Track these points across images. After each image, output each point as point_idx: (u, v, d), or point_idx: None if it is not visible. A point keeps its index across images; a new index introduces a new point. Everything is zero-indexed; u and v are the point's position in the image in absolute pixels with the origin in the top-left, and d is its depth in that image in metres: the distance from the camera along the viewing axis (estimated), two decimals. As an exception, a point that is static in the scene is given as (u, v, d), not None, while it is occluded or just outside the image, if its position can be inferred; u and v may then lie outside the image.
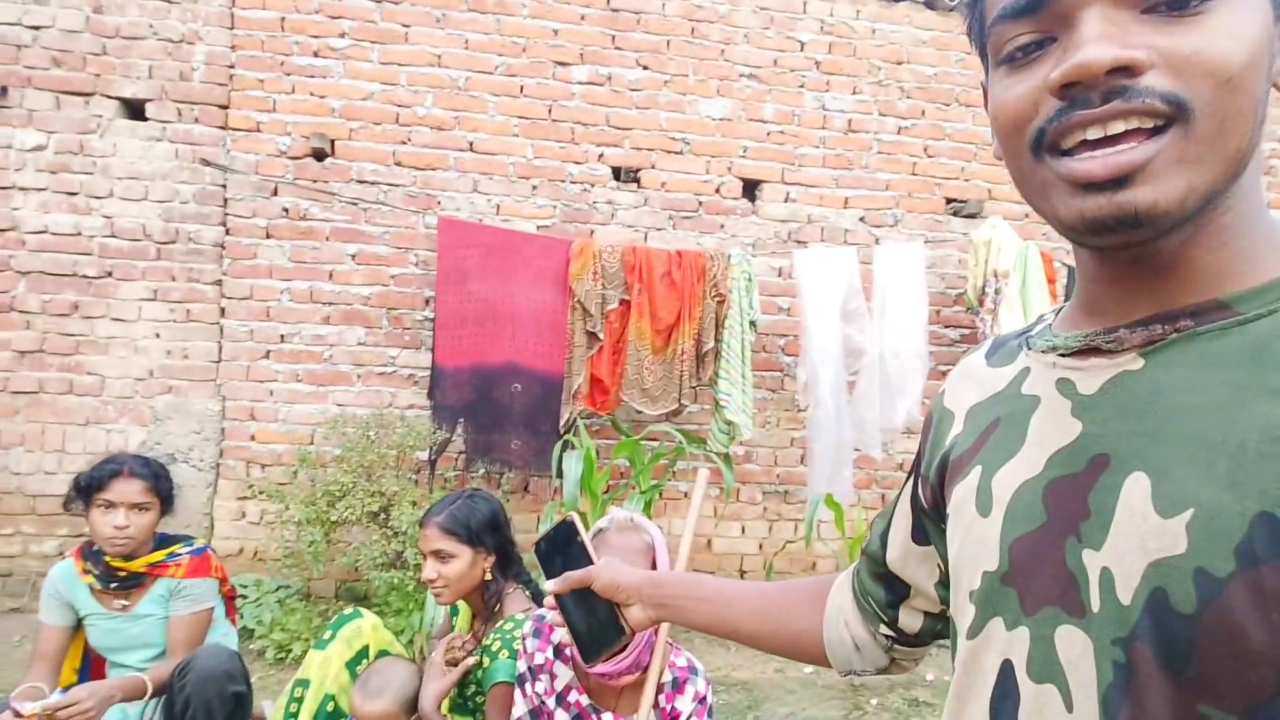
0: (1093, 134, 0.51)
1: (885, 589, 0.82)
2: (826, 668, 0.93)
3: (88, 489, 2.17)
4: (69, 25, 3.87)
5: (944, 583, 0.77)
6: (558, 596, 1.01)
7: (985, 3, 0.58)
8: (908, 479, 0.80)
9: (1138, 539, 0.49)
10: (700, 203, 4.31)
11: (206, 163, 3.94)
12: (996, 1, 0.56)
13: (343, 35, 4.01)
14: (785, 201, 4.36)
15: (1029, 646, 0.55)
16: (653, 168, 4.26)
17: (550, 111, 4.16)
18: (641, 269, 3.96)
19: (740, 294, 4.01)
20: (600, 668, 1.78)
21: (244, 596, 3.66)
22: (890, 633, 0.83)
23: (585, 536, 1.04)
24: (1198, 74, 0.49)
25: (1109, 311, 0.58)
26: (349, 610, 2.23)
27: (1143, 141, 0.50)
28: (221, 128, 3.96)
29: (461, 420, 3.88)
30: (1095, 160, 0.51)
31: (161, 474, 2.27)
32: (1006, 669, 0.57)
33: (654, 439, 4.06)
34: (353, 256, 4.03)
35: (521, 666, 1.90)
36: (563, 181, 4.18)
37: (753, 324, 4.04)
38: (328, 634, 2.15)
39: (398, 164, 4.06)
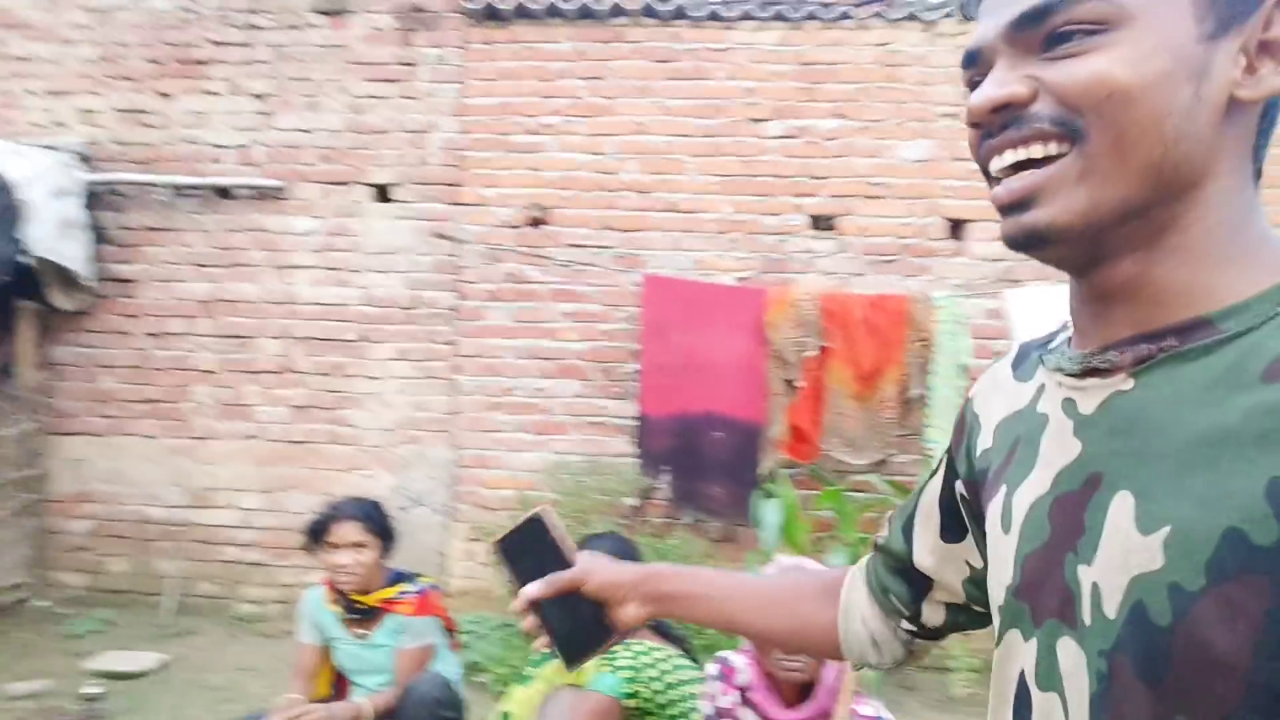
0: (995, 164, 0.58)
1: (907, 584, 0.82)
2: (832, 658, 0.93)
3: (315, 533, 2.52)
4: (333, 126, 4.53)
5: (972, 580, 0.77)
6: (534, 601, 0.92)
7: None
8: (931, 476, 0.81)
9: (1121, 555, 0.52)
10: (903, 246, 4.24)
11: (441, 236, 4.44)
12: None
13: (555, 113, 4.39)
14: (995, 240, 4.19)
15: (1036, 657, 0.58)
16: (850, 214, 4.25)
17: (747, 167, 4.29)
18: (839, 315, 3.95)
19: (948, 338, 3.88)
20: (786, 715, 1.79)
21: (472, 632, 3.99)
22: (911, 627, 0.83)
23: (558, 533, 0.94)
24: (1082, 94, 0.53)
25: (1094, 332, 0.59)
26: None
27: (1041, 168, 0.55)
28: (454, 204, 4.45)
29: (667, 467, 4.03)
30: (1002, 187, 0.57)
31: (374, 514, 2.56)
32: (1022, 678, 0.60)
33: (859, 489, 4.00)
34: (568, 315, 4.35)
35: (707, 709, 1.94)
36: (761, 234, 4.28)
37: (964, 369, 3.89)
38: (529, 670, 2.31)
39: (606, 227, 4.35)
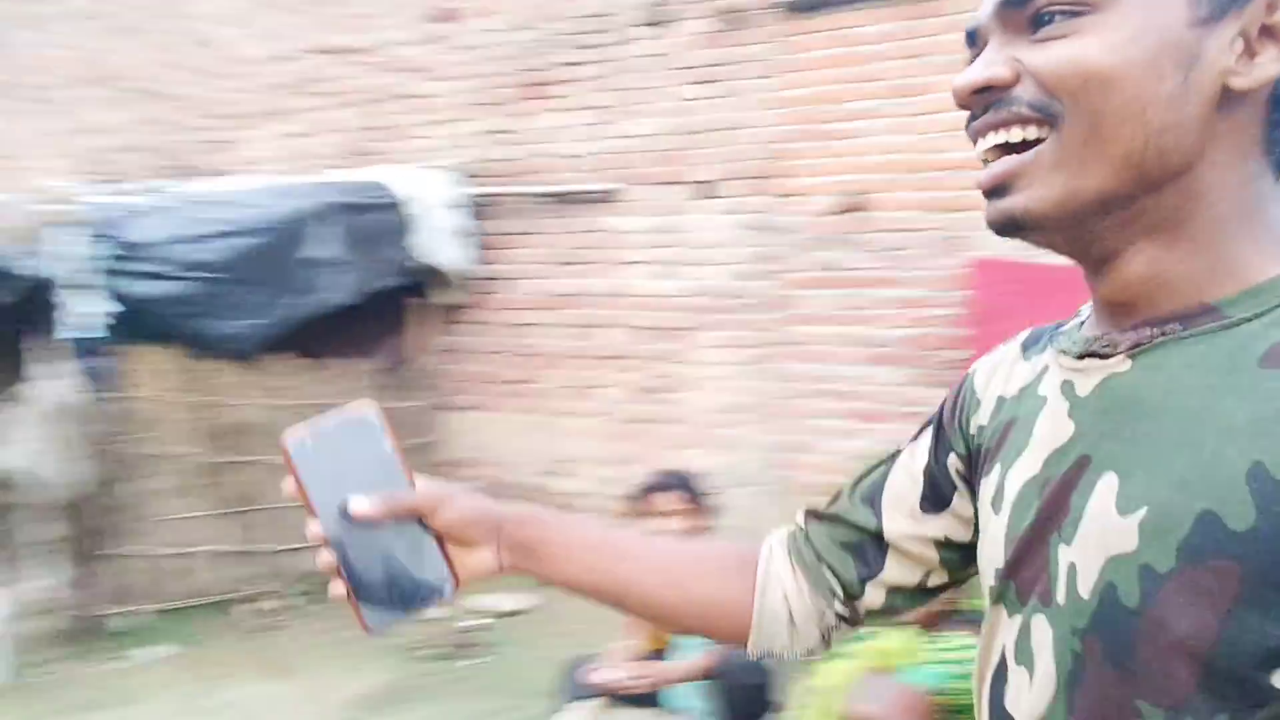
0: (979, 147, 0.58)
1: (858, 561, 0.75)
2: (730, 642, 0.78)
3: (638, 500, 2.77)
4: (660, 130, 4.90)
5: (949, 546, 0.73)
6: (338, 530, 0.69)
7: None
8: (907, 449, 0.76)
9: (1099, 536, 0.51)
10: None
11: (762, 228, 4.64)
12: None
13: (871, 97, 4.38)
14: None
15: (1017, 632, 0.58)
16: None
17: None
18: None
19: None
20: None
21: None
22: (844, 610, 0.76)
23: (393, 442, 0.71)
24: (1060, 79, 0.52)
25: (1105, 318, 0.58)
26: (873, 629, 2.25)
27: (1020, 154, 0.54)
28: (773, 195, 4.63)
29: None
30: (985, 171, 0.57)
31: (692, 486, 2.76)
32: (1003, 653, 0.60)
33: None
34: (888, 301, 4.36)
35: None
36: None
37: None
38: (846, 646, 2.17)
39: (929, 210, 4.28)
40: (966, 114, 0.59)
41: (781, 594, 0.77)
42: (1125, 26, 0.51)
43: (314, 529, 0.69)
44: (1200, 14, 0.51)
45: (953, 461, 0.73)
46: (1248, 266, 0.52)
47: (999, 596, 0.61)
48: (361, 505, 0.68)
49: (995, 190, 0.56)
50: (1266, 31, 0.51)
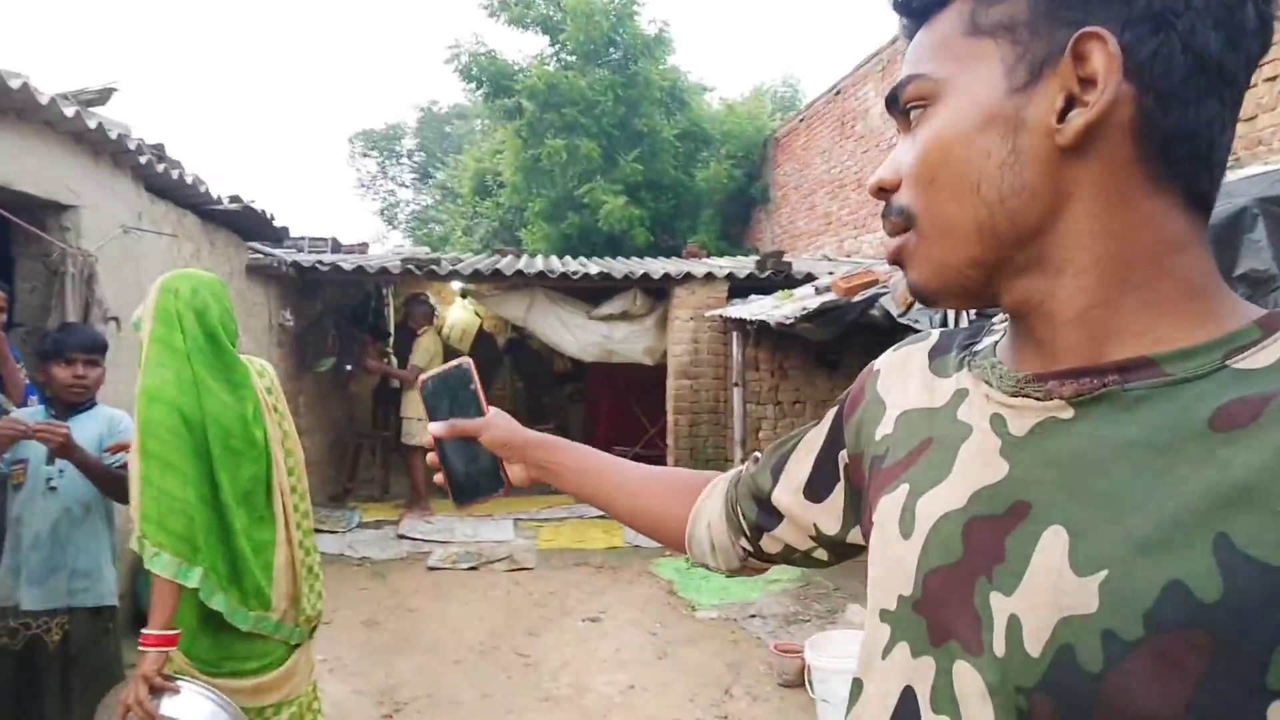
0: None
1: (760, 513, 0.84)
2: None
3: None
4: None
5: (817, 539, 0.79)
6: (438, 439, 0.97)
7: None
8: (814, 427, 0.80)
9: (1051, 593, 0.49)
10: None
11: None
12: None
13: None
14: None
15: (933, 677, 0.56)
16: None
17: None
18: None
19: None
20: None
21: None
22: (749, 547, 0.86)
23: (477, 386, 0.98)
24: (910, 183, 0.58)
25: (1034, 356, 0.58)
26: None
27: (905, 234, 0.59)
28: None
29: None
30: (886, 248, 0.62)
31: None
32: (908, 695, 0.58)
33: None
34: None
35: None
36: None
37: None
38: None
39: None
40: None
41: (706, 523, 0.90)
42: (952, 111, 0.56)
43: (427, 439, 0.97)
44: (1018, 81, 0.54)
45: (841, 457, 0.76)
46: (1182, 323, 0.52)
47: (902, 631, 0.60)
48: (436, 429, 0.95)
49: (895, 264, 0.62)
50: (1086, 84, 0.51)
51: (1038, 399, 0.55)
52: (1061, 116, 0.52)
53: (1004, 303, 0.58)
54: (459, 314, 10.65)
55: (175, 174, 4.38)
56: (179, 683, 1.86)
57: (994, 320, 0.68)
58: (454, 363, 0.99)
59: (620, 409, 8.69)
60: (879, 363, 0.75)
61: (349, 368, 7.43)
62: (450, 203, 18.84)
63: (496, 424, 0.96)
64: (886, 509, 0.63)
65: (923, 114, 0.58)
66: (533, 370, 11.24)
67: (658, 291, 7.32)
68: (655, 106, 13.52)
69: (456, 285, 7.95)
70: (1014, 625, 0.51)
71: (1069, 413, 0.53)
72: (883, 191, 0.60)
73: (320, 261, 6.64)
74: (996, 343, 0.63)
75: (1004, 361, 0.60)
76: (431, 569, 5.93)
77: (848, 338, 5.43)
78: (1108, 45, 0.50)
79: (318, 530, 6.65)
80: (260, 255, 6.05)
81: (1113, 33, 0.50)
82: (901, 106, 0.59)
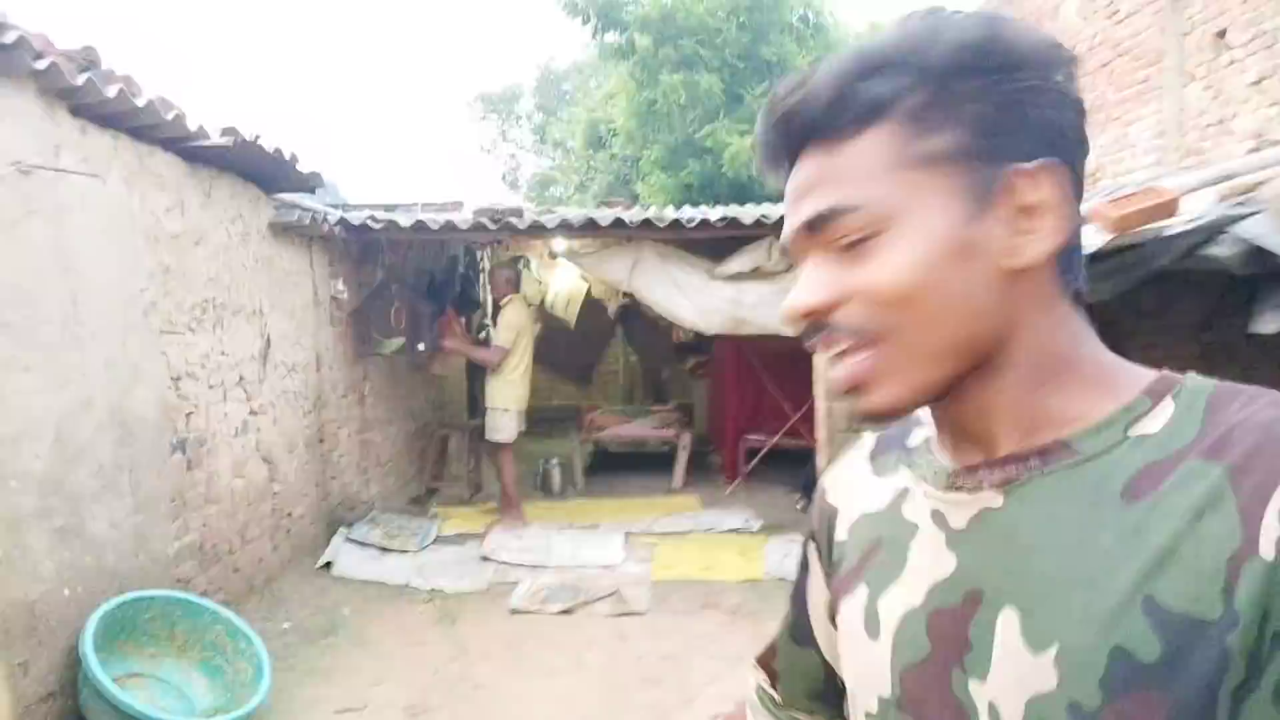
0: (821, 353, 0.60)
1: (822, 703, 0.81)
2: None
3: None
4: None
5: (826, 687, 0.79)
6: None
7: None
8: (806, 572, 0.79)
9: (1015, 675, 0.52)
10: None
11: None
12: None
13: None
14: None
15: None
16: None
17: None
18: None
19: None
20: None
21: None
22: None
23: None
24: (871, 303, 0.56)
25: (960, 450, 0.61)
26: None
27: (863, 354, 0.57)
28: None
29: None
30: (839, 369, 0.59)
31: None
32: None
33: None
34: None
35: None
36: None
37: None
38: None
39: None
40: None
41: None
42: (911, 241, 0.55)
43: None
44: (970, 211, 0.55)
45: (823, 586, 0.76)
46: (1084, 401, 0.56)
47: None
48: None
49: (855, 388, 0.59)
50: (1025, 212, 0.55)
51: (969, 492, 0.59)
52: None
53: (949, 404, 0.59)
54: (564, 279, 9.25)
55: (114, 91, 3.06)
56: None
57: (920, 417, 0.69)
58: None
59: (754, 390, 7.00)
60: (826, 480, 0.77)
61: (421, 346, 6.13)
62: (564, 158, 17.60)
63: None
64: (850, 613, 0.67)
65: (870, 242, 0.56)
66: (648, 342, 9.74)
67: (800, 240, 5.58)
68: (786, 33, 11.96)
69: (560, 245, 6.48)
70: (993, 712, 0.54)
71: (999, 500, 0.57)
72: (812, 314, 0.59)
73: (373, 218, 5.31)
74: (928, 438, 0.66)
75: (940, 455, 0.63)
76: (514, 611, 4.56)
77: (1136, 294, 3.42)
78: (1055, 176, 0.55)
79: (384, 550, 5.56)
80: (289, 210, 4.75)
81: (1055, 164, 0.55)
82: (832, 236, 0.57)
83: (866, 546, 0.66)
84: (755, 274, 5.53)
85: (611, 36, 12.92)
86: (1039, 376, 0.56)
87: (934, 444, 0.64)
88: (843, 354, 0.57)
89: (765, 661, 0.85)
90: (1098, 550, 0.50)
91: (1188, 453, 0.51)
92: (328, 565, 4.95)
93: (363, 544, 5.33)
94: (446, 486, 6.95)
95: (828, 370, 0.59)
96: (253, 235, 4.44)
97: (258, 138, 4.00)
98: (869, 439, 0.74)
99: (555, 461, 7.15)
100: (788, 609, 0.81)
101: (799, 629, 0.79)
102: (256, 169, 4.33)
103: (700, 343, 8.34)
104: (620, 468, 7.61)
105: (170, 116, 3.45)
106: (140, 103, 3.27)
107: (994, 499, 0.56)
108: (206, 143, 3.73)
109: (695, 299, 5.56)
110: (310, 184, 4.70)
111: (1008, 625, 0.53)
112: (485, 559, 5.29)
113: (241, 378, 4.32)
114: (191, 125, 3.64)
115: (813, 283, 0.58)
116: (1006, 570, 0.54)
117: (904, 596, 0.60)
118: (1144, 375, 0.57)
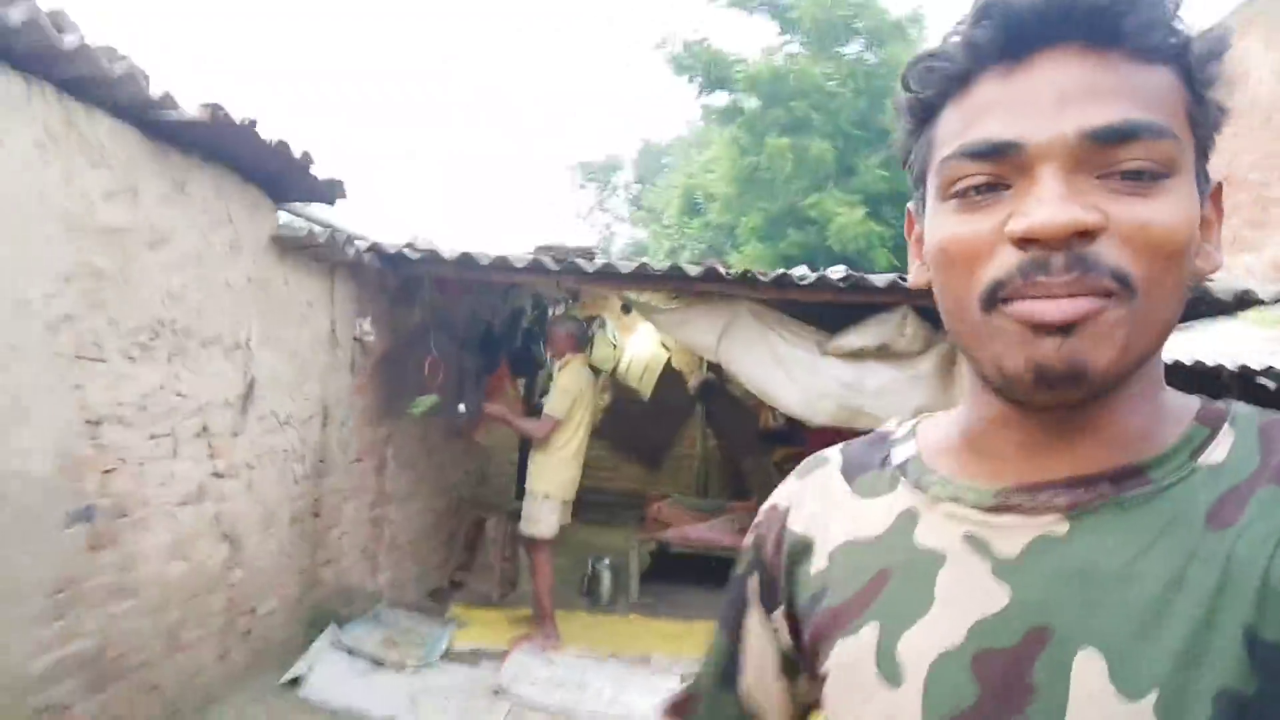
0: (1041, 307, 0.51)
1: None
2: None
3: None
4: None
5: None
6: None
7: (934, 133, 0.57)
8: (743, 613, 0.71)
9: None
10: None
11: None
12: (949, 137, 0.55)
13: None
14: None
15: None
16: None
17: None
18: None
19: None
20: None
21: None
22: None
23: None
24: (1144, 248, 0.50)
25: (1013, 467, 0.56)
26: None
27: (1110, 300, 0.50)
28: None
29: None
30: (1050, 303, 0.50)
31: None
32: None
33: None
34: None
35: None
36: None
37: None
38: None
39: None
40: (969, 241, 0.53)
41: None
42: (1191, 197, 0.52)
43: None
44: (1198, 201, 0.53)
45: (777, 619, 0.69)
46: (1159, 426, 0.54)
47: None
48: None
49: (1065, 328, 0.50)
50: (1206, 223, 0.55)
51: (1024, 514, 0.54)
52: None
53: (1079, 408, 0.54)
54: (643, 345, 8.17)
55: (19, 16, 2.15)
56: None
57: (892, 432, 0.66)
58: None
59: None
60: (782, 499, 0.71)
61: (462, 408, 5.08)
62: (656, 225, 16.83)
63: None
64: (850, 655, 0.60)
65: (1160, 183, 0.51)
66: (731, 424, 8.51)
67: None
68: (907, 99, 10.96)
69: (635, 297, 5.40)
70: None
71: (1063, 527, 0.53)
72: (1079, 237, 0.50)
73: (411, 245, 4.34)
74: (921, 454, 0.63)
75: (954, 473, 0.59)
76: (522, 783, 3.31)
77: None
78: (1221, 198, 0.57)
79: (377, 663, 4.23)
80: (301, 224, 3.80)
81: (1221, 187, 0.57)
82: (1135, 155, 0.50)
83: (866, 579, 0.60)
84: (880, 353, 4.29)
85: (719, 98, 12.20)
86: (1148, 392, 0.55)
87: (936, 462, 0.61)
88: (1075, 295, 0.50)
89: (680, 713, 0.76)
90: (1189, 583, 0.48)
91: (1258, 480, 0.50)
92: (295, 681, 3.81)
93: (353, 651, 4.20)
94: (474, 580, 5.78)
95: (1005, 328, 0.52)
96: (246, 248, 3.49)
97: (254, 123, 3.07)
98: (834, 456, 0.70)
99: (606, 563, 5.89)
100: (714, 648, 0.74)
101: (729, 674, 0.73)
102: (259, 166, 3.41)
103: (792, 430, 7.06)
104: (684, 574, 6.30)
105: (118, 71, 2.53)
106: (68, 43, 2.35)
107: (1056, 525, 0.53)
108: (173, 116, 2.80)
109: (800, 378, 4.34)
110: (329, 194, 3.76)
111: (1089, 668, 0.48)
112: (499, 692, 4.07)
113: (205, 428, 3.31)
114: (155, 91, 2.72)
115: (1075, 197, 0.50)
116: (1083, 605, 0.50)
117: (935, 635, 0.54)
118: (1190, 400, 0.56)
